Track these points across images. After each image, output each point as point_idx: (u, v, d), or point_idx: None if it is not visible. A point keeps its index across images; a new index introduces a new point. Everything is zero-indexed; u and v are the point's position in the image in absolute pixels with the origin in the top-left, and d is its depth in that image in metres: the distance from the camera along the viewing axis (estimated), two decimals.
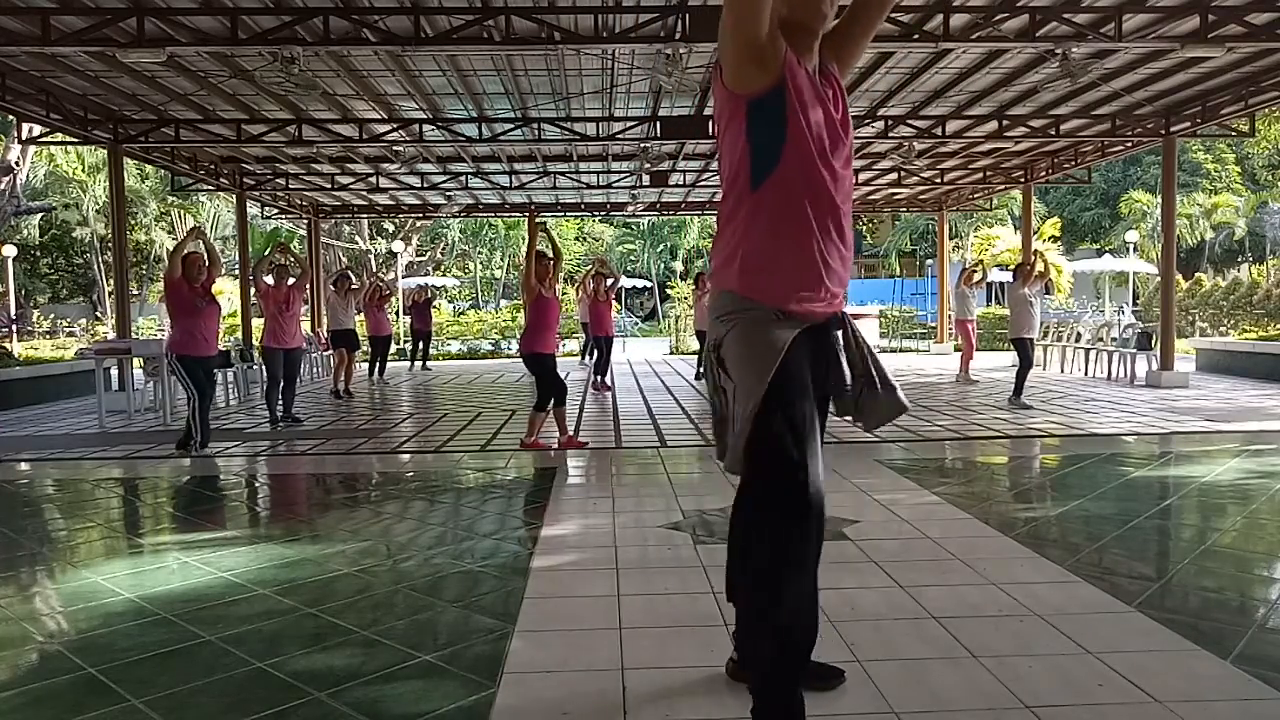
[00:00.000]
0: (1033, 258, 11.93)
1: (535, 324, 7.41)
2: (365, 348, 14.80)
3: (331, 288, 13.34)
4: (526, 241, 7.67)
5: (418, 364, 17.61)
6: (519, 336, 8.21)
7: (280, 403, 9.39)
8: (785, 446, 2.31)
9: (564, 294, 20.50)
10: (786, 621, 2.35)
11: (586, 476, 6.56)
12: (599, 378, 12.76)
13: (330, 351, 15.56)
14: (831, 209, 2.35)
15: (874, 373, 2.54)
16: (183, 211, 31.50)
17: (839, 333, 2.50)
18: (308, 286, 13.20)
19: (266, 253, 10.94)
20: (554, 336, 7.61)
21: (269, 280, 9.74)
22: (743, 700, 2.59)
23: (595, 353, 13.31)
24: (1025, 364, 10.04)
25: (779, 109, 2.27)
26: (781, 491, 2.34)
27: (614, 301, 13.89)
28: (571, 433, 7.86)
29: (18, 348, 20.95)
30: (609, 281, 13.21)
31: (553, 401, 7.50)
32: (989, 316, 22.58)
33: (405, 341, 20.42)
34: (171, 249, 8.39)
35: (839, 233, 2.38)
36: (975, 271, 13.60)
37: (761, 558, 2.35)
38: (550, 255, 7.84)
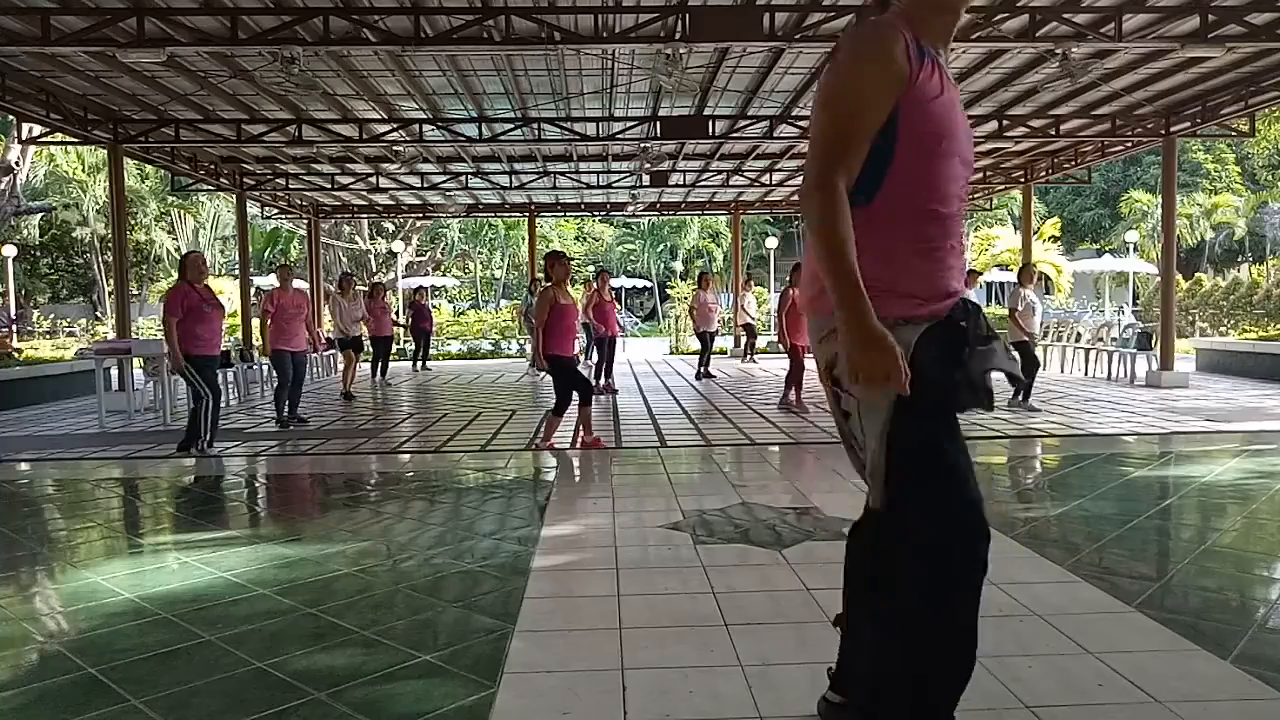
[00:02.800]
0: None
1: (554, 328, 7.40)
2: (367, 349, 14.82)
3: (337, 291, 13.31)
4: (554, 283, 7.53)
5: (418, 364, 17.64)
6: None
7: (287, 403, 9.43)
8: (936, 459, 2.02)
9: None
10: (931, 667, 2.08)
11: (586, 476, 6.56)
12: (609, 379, 12.67)
13: (330, 351, 15.58)
14: (948, 210, 2.06)
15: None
16: (182, 211, 31.52)
17: (964, 322, 2.10)
18: (307, 288, 13.20)
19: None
20: (572, 339, 7.57)
21: (274, 282, 9.83)
22: (742, 701, 2.59)
23: (597, 354, 13.24)
24: (1032, 364, 9.97)
25: (887, 137, 1.97)
26: (942, 513, 2.05)
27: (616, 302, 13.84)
28: (593, 434, 7.83)
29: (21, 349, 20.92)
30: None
31: (578, 400, 7.49)
32: (989, 316, 22.57)
33: (405, 342, 20.43)
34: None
35: (956, 229, 2.10)
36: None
37: (912, 596, 2.06)
38: (567, 256, 7.87)
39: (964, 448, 2.10)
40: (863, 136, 1.94)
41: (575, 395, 7.48)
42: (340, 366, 13.78)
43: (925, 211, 2.02)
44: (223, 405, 9.18)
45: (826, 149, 1.94)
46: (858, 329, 1.85)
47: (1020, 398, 9.72)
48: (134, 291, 27.76)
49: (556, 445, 7.56)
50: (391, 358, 15.75)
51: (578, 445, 7.60)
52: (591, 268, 29.18)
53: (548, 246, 38.23)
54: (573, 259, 38.02)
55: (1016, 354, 9.95)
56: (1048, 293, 27.01)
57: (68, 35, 8.40)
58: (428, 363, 17.99)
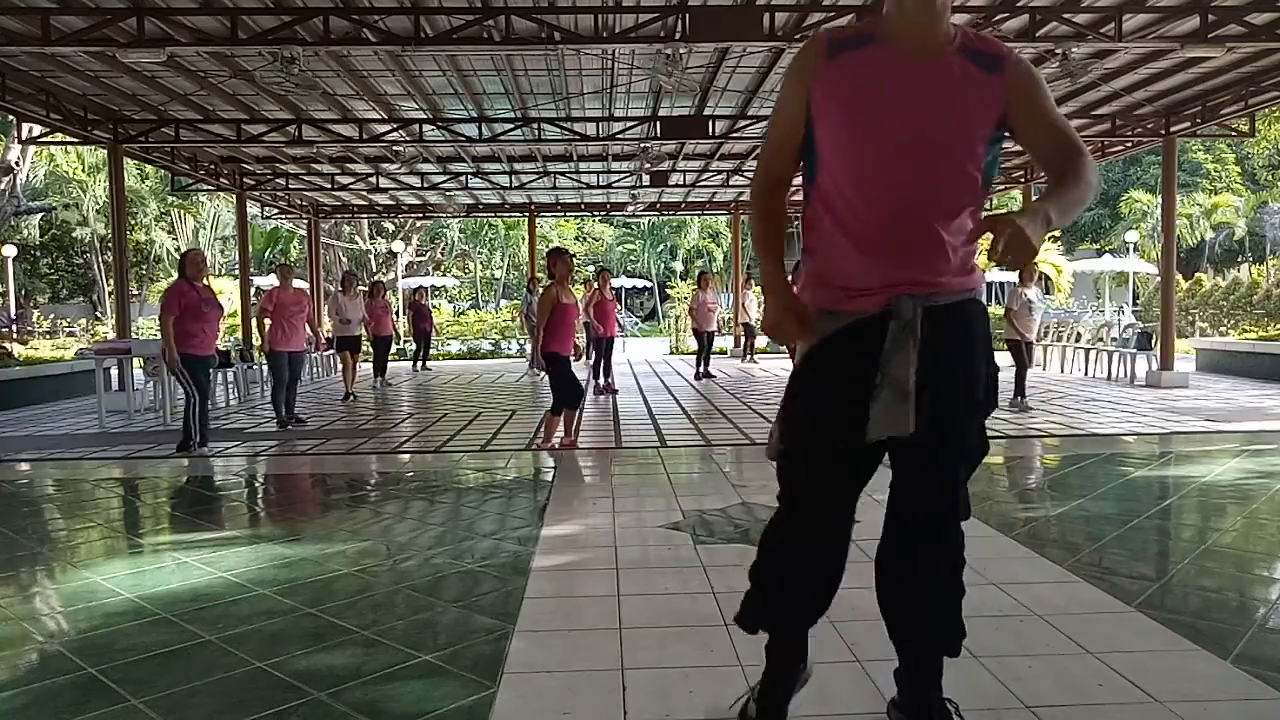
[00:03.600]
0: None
1: (554, 325, 7.34)
2: (366, 349, 14.78)
3: (338, 289, 13.20)
4: (557, 277, 7.49)
5: (419, 364, 17.64)
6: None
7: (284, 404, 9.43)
8: (788, 448, 2.22)
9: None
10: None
11: (586, 476, 6.56)
12: (608, 379, 12.65)
13: (330, 351, 15.56)
14: (879, 198, 2.09)
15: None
16: (182, 211, 31.52)
17: (895, 321, 2.09)
18: (307, 288, 13.13)
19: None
20: (570, 337, 7.52)
21: (275, 282, 9.82)
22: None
23: (596, 354, 13.20)
24: (1020, 365, 9.96)
25: (811, 137, 2.15)
26: (782, 502, 2.30)
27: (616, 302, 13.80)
28: (572, 436, 7.83)
29: (17, 348, 20.92)
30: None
31: (565, 406, 7.46)
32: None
33: (405, 342, 20.44)
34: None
35: (899, 215, 2.09)
36: None
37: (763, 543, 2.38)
38: (569, 253, 7.83)
39: (821, 451, 2.20)
40: (779, 146, 2.21)
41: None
42: (340, 367, 13.74)
43: (850, 202, 2.11)
44: (221, 405, 9.21)
45: (761, 158, 2.28)
46: (770, 307, 2.18)
47: (1017, 397, 9.72)
48: (134, 291, 27.74)
49: (558, 446, 7.56)
50: (391, 358, 15.73)
51: (557, 446, 7.55)
52: (591, 268, 29.15)
53: (548, 246, 38.26)
54: (573, 258, 37.99)
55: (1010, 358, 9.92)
56: (1048, 293, 26.99)
57: (68, 35, 8.39)
58: (428, 363, 17.97)
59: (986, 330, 2.28)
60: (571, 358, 7.59)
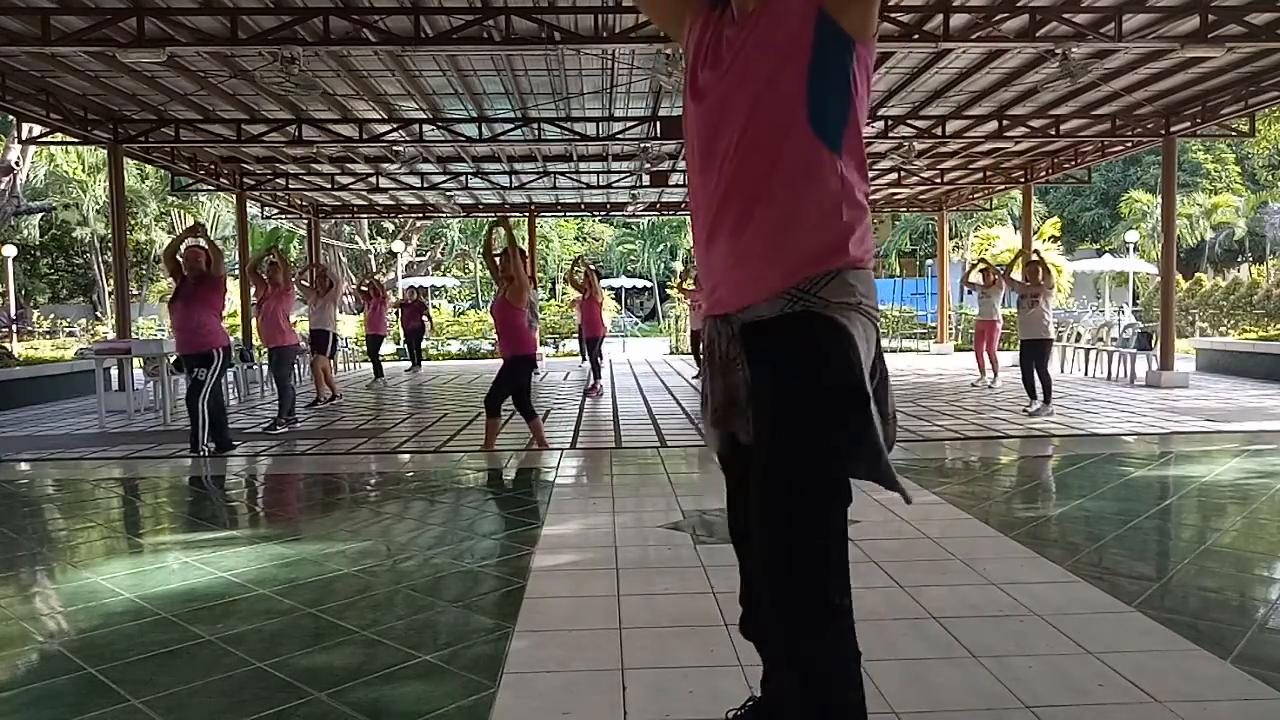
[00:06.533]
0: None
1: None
2: (360, 347, 14.62)
3: (307, 284, 12.29)
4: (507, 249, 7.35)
5: (412, 364, 17.59)
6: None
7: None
8: None
9: (564, 293, 20.51)
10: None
11: (586, 476, 6.56)
12: (596, 381, 12.62)
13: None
14: (703, 198, 1.89)
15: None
16: (183, 211, 31.53)
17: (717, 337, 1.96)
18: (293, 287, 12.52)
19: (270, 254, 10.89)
20: (508, 339, 7.35)
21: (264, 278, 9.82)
22: (742, 701, 2.58)
23: (589, 354, 13.17)
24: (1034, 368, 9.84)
25: None
26: None
27: (600, 300, 13.69)
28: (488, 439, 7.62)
29: (18, 348, 20.92)
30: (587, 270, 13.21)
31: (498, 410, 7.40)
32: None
33: (401, 342, 20.43)
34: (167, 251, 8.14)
35: (715, 227, 1.86)
36: (989, 271, 12.78)
37: None
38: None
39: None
40: None
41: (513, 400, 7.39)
42: (339, 366, 13.53)
43: (694, 216, 1.97)
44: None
45: None
46: None
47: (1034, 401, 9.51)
48: (134, 291, 27.77)
49: (551, 445, 7.56)
50: (390, 358, 15.64)
51: (489, 447, 7.50)
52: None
53: (548, 247, 38.23)
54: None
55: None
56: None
57: (68, 35, 8.39)
58: (419, 364, 17.76)
59: (814, 347, 1.80)
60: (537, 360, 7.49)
